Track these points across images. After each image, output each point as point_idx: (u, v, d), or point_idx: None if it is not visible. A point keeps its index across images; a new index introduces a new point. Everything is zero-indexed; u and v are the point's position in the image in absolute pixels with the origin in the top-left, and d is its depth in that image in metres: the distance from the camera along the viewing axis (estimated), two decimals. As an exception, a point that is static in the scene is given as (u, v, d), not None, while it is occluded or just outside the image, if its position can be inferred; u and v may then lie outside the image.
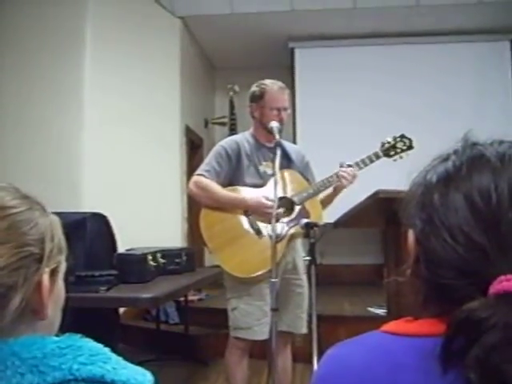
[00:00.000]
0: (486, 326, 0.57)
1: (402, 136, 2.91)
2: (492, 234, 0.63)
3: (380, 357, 0.69)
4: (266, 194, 2.71)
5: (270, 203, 2.64)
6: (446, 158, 0.73)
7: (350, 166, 2.79)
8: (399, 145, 2.89)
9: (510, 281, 0.59)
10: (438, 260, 0.67)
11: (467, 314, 0.59)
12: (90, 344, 0.75)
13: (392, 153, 2.88)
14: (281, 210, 2.66)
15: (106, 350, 0.75)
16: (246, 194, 2.78)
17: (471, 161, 0.70)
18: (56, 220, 0.81)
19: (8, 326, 0.71)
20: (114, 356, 0.75)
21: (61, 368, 0.69)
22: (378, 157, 2.85)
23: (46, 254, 0.75)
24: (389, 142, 2.89)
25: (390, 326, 0.73)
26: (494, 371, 0.56)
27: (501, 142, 0.72)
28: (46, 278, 0.75)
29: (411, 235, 0.74)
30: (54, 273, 0.77)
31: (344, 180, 2.76)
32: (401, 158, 2.87)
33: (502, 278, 0.60)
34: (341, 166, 2.79)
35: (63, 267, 0.80)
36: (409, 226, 0.74)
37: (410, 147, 2.89)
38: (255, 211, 2.73)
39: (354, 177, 2.78)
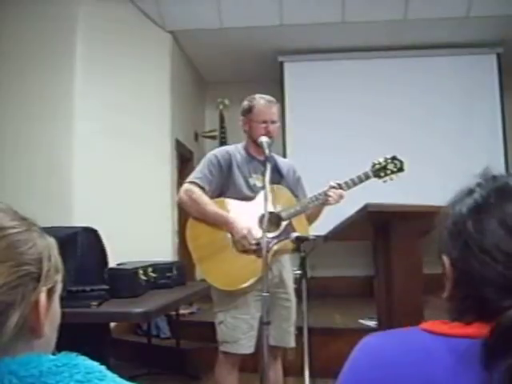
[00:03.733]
0: None
1: (394, 157, 2.88)
2: None
3: (416, 352, 0.74)
4: (254, 209, 2.73)
5: (253, 241, 2.67)
6: (470, 192, 0.81)
7: (339, 185, 2.80)
8: (390, 166, 2.86)
9: None
10: (478, 280, 0.72)
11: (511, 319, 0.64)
12: (85, 362, 0.76)
13: (382, 174, 2.86)
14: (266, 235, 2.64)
15: (102, 367, 0.76)
16: (235, 213, 2.77)
17: (498, 190, 0.78)
18: (53, 241, 0.83)
19: (6, 344, 0.72)
20: (109, 373, 0.76)
21: None
22: (367, 177, 2.84)
23: (43, 274, 0.76)
24: (379, 163, 2.86)
25: (428, 324, 0.78)
26: None
27: None
28: (43, 297, 0.76)
29: (446, 262, 0.80)
30: (50, 292, 0.79)
31: (331, 199, 2.78)
32: (391, 179, 2.85)
33: None
34: (330, 186, 2.80)
35: (59, 287, 0.82)
36: (444, 253, 0.81)
37: (401, 169, 2.87)
38: (238, 240, 2.72)
39: (341, 197, 2.80)
